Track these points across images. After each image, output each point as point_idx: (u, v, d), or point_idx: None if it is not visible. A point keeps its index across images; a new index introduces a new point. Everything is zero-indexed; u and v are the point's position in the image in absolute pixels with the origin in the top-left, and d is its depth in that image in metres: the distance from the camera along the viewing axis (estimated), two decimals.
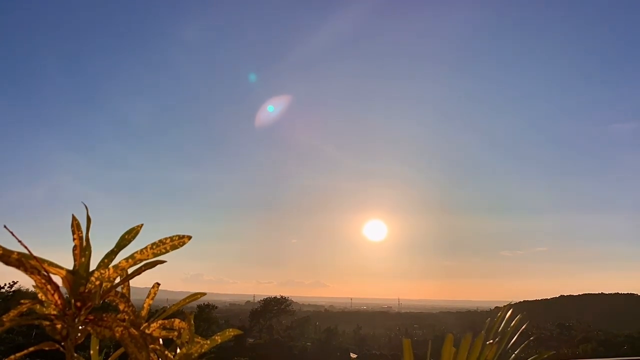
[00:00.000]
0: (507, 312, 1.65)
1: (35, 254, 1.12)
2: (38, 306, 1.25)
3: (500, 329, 1.59)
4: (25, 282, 1.19)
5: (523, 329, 1.62)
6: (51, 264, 1.16)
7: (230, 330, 1.83)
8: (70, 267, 1.22)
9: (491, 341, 1.52)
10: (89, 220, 1.24)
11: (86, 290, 1.18)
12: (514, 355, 1.57)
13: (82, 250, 1.22)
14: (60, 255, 1.22)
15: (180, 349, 1.63)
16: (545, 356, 1.62)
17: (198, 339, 1.68)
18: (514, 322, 1.62)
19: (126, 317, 1.32)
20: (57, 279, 1.17)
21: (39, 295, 1.24)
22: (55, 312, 1.18)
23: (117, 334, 1.15)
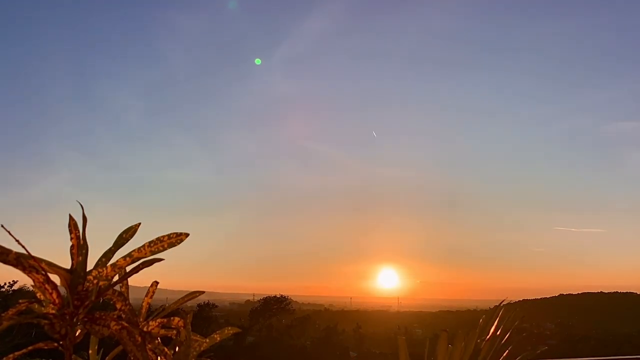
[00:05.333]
0: (501, 309, 1.67)
1: (33, 254, 1.12)
2: (36, 305, 1.26)
3: (494, 326, 1.60)
4: (27, 281, 1.19)
5: (520, 327, 1.63)
6: (49, 263, 1.17)
7: (229, 328, 1.84)
8: (69, 268, 1.23)
9: (485, 338, 1.53)
10: (84, 219, 1.24)
11: (84, 289, 1.19)
12: (507, 351, 1.58)
13: (80, 249, 1.22)
14: (59, 257, 1.22)
15: (178, 347, 1.63)
16: (538, 351, 1.63)
17: (197, 338, 1.69)
18: (507, 319, 1.63)
19: (123, 315, 1.33)
20: (56, 278, 1.17)
21: (38, 294, 1.24)
22: (53, 311, 1.18)
23: (116, 333, 1.15)
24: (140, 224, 1.35)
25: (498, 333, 1.60)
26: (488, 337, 1.56)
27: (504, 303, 1.78)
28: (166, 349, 1.43)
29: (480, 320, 1.66)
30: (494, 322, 1.63)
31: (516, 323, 1.64)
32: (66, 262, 1.21)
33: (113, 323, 1.15)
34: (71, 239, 1.23)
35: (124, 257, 1.27)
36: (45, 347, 1.25)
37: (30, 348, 1.27)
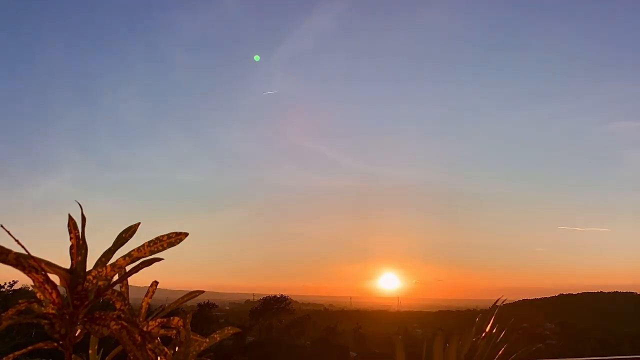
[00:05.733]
0: (497, 308, 1.68)
1: (33, 254, 1.12)
2: (36, 305, 1.26)
3: (489, 324, 1.62)
4: (27, 281, 1.19)
5: (519, 326, 1.64)
6: (49, 263, 1.17)
7: (229, 328, 1.85)
8: (68, 268, 1.23)
9: (481, 336, 1.55)
10: (84, 219, 1.24)
11: (84, 289, 1.19)
12: (503, 349, 1.60)
13: (79, 249, 1.22)
14: (60, 257, 1.22)
15: (178, 347, 1.64)
16: (534, 349, 1.64)
17: (197, 337, 1.69)
18: (503, 317, 1.65)
19: (123, 315, 1.33)
20: (55, 279, 1.17)
21: (37, 294, 1.24)
22: (53, 311, 1.18)
23: (115, 332, 1.15)
24: (139, 223, 1.35)
25: (494, 331, 1.62)
26: (484, 335, 1.57)
27: (501, 302, 1.79)
28: (166, 349, 1.44)
29: (477, 319, 1.67)
30: (489, 321, 1.64)
31: (512, 321, 1.65)
32: (66, 262, 1.21)
33: (113, 323, 1.15)
34: (70, 238, 1.23)
35: (124, 257, 1.27)
36: (45, 347, 1.26)
37: (30, 348, 1.27)
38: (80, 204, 1.24)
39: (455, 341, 1.50)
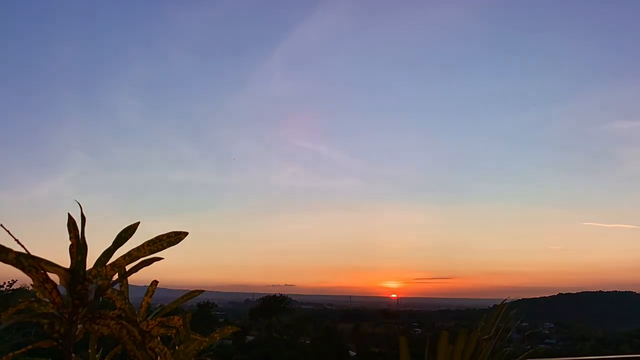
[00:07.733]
0: (503, 309, 1.67)
1: (33, 254, 1.12)
2: (36, 304, 1.26)
3: (495, 325, 1.61)
4: (27, 280, 1.19)
5: (520, 326, 1.63)
6: (48, 262, 1.17)
7: (229, 327, 1.85)
8: (68, 267, 1.23)
9: (486, 337, 1.54)
10: (83, 218, 1.24)
11: (84, 288, 1.19)
12: (508, 350, 1.59)
13: (79, 248, 1.22)
14: (61, 257, 1.22)
15: (178, 346, 1.64)
16: (541, 351, 1.64)
17: (196, 337, 1.70)
18: (507, 318, 1.64)
19: (122, 314, 1.33)
20: (55, 278, 1.17)
21: (37, 293, 1.25)
22: (53, 311, 1.18)
23: (115, 332, 1.15)
24: (139, 222, 1.35)
25: (499, 332, 1.61)
26: (489, 336, 1.57)
27: (504, 303, 1.78)
28: (166, 348, 1.44)
29: (482, 321, 1.67)
30: (495, 322, 1.64)
31: (518, 322, 1.65)
32: (66, 262, 1.22)
33: (112, 322, 1.15)
34: (70, 238, 1.23)
35: (124, 257, 1.27)
36: (45, 346, 1.26)
37: (29, 347, 1.28)
38: (80, 203, 1.24)
39: (461, 341, 1.50)
